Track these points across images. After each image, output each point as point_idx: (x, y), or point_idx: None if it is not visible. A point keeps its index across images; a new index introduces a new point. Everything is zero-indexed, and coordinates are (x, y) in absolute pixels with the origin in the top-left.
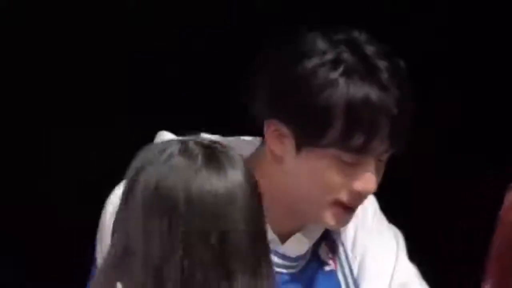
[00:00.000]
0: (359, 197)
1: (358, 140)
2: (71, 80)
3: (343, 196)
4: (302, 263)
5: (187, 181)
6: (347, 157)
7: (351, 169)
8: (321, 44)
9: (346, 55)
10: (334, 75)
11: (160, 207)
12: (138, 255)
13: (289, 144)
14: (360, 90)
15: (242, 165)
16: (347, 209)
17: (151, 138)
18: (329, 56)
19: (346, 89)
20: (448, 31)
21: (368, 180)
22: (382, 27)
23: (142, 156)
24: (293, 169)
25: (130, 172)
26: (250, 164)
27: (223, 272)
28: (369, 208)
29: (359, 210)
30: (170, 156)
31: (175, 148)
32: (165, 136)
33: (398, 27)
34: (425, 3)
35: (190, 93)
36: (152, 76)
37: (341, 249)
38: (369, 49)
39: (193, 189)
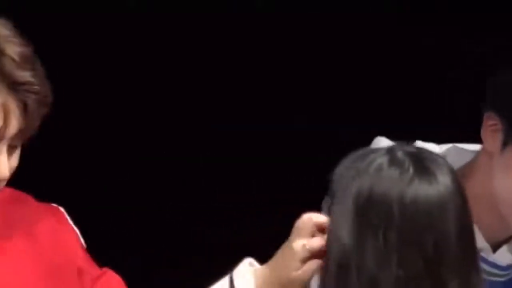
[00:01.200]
0: None
1: None
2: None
3: None
4: None
5: (400, 192)
6: None
7: None
8: None
9: None
10: None
11: (374, 219)
12: (352, 269)
13: (500, 139)
14: None
15: (450, 171)
16: None
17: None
18: None
19: None
20: None
21: None
22: None
23: (349, 166)
24: (497, 168)
25: (338, 181)
26: (464, 171)
27: (436, 282)
28: None
29: None
30: (380, 167)
31: (384, 159)
32: (382, 142)
33: None
34: None
35: None
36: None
37: None
38: None
39: (406, 199)
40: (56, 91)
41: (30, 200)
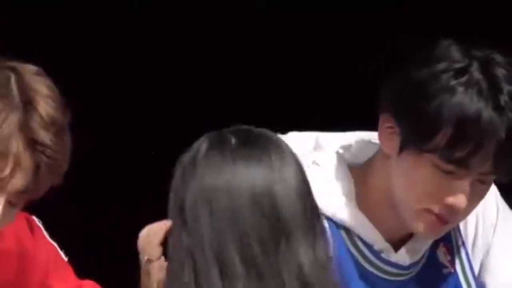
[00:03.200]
0: (450, 212)
1: (461, 152)
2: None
3: (435, 207)
4: (417, 269)
5: (226, 176)
6: (446, 167)
7: (446, 182)
8: (455, 53)
9: (473, 69)
10: (454, 83)
11: (206, 198)
12: (196, 249)
13: (397, 142)
14: (475, 104)
15: (290, 155)
16: (439, 221)
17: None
18: (457, 65)
19: (462, 99)
20: None
21: (460, 195)
22: None
23: (179, 163)
24: (395, 169)
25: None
26: (365, 169)
27: (279, 235)
28: (491, 202)
29: (480, 205)
30: (199, 150)
31: (206, 144)
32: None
33: None
34: None
35: None
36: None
37: (461, 249)
38: (500, 71)
39: (233, 180)
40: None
41: None
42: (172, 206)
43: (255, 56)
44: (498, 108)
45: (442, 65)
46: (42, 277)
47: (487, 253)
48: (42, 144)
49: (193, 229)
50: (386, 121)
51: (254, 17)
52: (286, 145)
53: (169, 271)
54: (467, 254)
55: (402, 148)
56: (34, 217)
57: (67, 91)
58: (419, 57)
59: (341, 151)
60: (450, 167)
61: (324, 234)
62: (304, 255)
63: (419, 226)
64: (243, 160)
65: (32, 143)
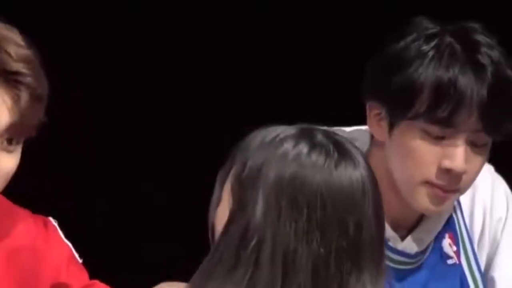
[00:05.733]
0: (450, 178)
1: (442, 112)
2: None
3: (434, 177)
4: (422, 258)
5: (326, 177)
6: (433, 129)
7: (439, 145)
8: (426, 24)
9: (445, 34)
10: (425, 47)
11: (296, 200)
12: (266, 243)
13: (386, 126)
14: (449, 65)
15: (362, 153)
16: (441, 191)
17: None
18: (427, 32)
19: (434, 62)
20: None
21: (455, 156)
22: None
23: (258, 149)
24: (391, 152)
25: (246, 163)
26: (366, 154)
27: (355, 264)
28: (500, 196)
29: (488, 200)
30: (301, 152)
31: (303, 144)
32: None
33: None
34: None
35: None
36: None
37: (467, 241)
38: (478, 36)
39: (332, 184)
40: (56, 91)
41: (18, 213)
42: (244, 190)
43: (255, 56)
44: (476, 67)
45: (413, 36)
46: (55, 277)
47: (496, 248)
48: (15, 73)
49: (270, 221)
50: (372, 108)
51: (254, 17)
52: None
53: (214, 256)
54: (472, 246)
55: (391, 127)
56: (50, 218)
57: (67, 91)
58: (392, 35)
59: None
60: (438, 130)
61: (386, 273)
62: None
63: (423, 201)
64: (343, 168)
65: (6, 76)
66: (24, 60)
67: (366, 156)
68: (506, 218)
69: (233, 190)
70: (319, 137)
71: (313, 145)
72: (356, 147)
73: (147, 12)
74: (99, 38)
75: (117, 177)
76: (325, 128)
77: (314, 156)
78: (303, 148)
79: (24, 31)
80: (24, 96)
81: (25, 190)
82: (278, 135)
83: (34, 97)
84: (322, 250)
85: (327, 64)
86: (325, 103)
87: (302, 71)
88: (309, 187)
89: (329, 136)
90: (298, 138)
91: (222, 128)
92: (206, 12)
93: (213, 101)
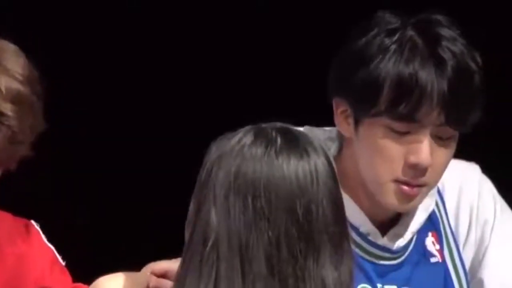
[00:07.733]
0: (416, 172)
1: (405, 107)
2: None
3: (400, 174)
4: (404, 254)
5: (266, 168)
6: (397, 125)
7: (404, 140)
8: (389, 18)
9: (407, 28)
10: (387, 42)
11: (241, 193)
12: (223, 238)
13: (352, 124)
14: (410, 60)
15: (321, 148)
16: (408, 186)
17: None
18: (389, 27)
19: (396, 57)
20: None
21: (420, 151)
22: None
23: (214, 149)
24: (357, 149)
25: (206, 166)
26: (339, 153)
27: (309, 244)
28: (487, 198)
29: (475, 201)
30: (244, 145)
31: (248, 137)
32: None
33: None
34: None
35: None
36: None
37: (451, 239)
38: (442, 30)
39: (272, 173)
40: (55, 91)
41: (3, 217)
42: (200, 193)
43: (255, 56)
44: (436, 61)
45: (375, 31)
46: (38, 280)
47: (484, 250)
48: (0, 113)
49: (222, 218)
50: (338, 105)
51: (254, 17)
52: (322, 148)
53: (188, 250)
54: (457, 245)
55: (356, 124)
56: (33, 221)
57: (66, 91)
58: (355, 31)
59: (328, 143)
60: (401, 126)
61: (350, 254)
62: (329, 272)
63: (391, 199)
64: (285, 157)
65: None
66: (13, 99)
67: (327, 150)
68: (494, 219)
69: (194, 194)
70: (267, 131)
71: (255, 138)
72: (312, 141)
73: (147, 12)
74: (99, 38)
75: (101, 179)
76: (287, 124)
77: (254, 148)
78: (247, 141)
79: (24, 31)
80: (1, 136)
81: (6, 192)
82: (233, 134)
83: (12, 140)
84: (272, 237)
85: (327, 64)
86: (325, 103)
87: (302, 71)
88: (251, 178)
89: (281, 130)
90: (246, 133)
91: (222, 128)
92: (206, 12)
93: (213, 101)
